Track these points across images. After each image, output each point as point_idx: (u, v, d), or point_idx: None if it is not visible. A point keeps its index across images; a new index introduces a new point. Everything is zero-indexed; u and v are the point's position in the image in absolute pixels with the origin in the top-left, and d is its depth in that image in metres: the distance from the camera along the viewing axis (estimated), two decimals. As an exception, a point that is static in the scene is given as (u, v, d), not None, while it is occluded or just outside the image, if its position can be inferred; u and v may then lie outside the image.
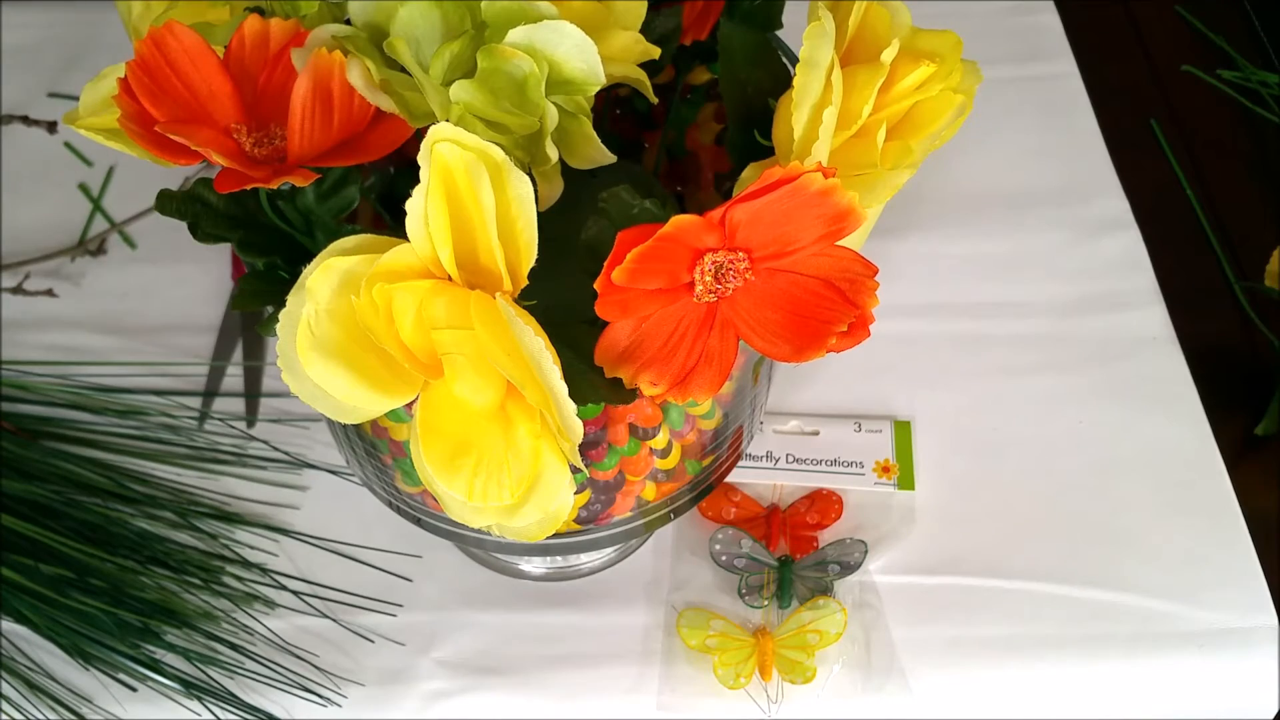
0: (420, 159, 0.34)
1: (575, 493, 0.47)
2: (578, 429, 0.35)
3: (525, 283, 0.36)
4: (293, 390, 0.36)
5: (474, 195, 0.34)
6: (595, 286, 0.35)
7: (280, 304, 0.36)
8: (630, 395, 0.38)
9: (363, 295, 0.34)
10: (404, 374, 0.36)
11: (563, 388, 0.34)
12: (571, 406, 0.34)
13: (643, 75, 0.42)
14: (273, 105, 0.39)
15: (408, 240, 0.35)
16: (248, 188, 0.37)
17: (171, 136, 0.37)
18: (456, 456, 0.36)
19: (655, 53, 0.42)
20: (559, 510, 0.37)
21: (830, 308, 0.37)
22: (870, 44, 0.40)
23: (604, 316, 0.36)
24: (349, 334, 0.35)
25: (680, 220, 0.34)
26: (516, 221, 0.35)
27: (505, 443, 0.36)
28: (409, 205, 0.35)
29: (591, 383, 0.38)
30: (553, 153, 0.39)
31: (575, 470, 0.36)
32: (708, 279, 0.36)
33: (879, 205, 0.41)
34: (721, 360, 0.37)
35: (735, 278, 0.36)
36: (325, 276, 0.35)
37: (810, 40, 0.38)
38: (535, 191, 0.38)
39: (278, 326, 0.36)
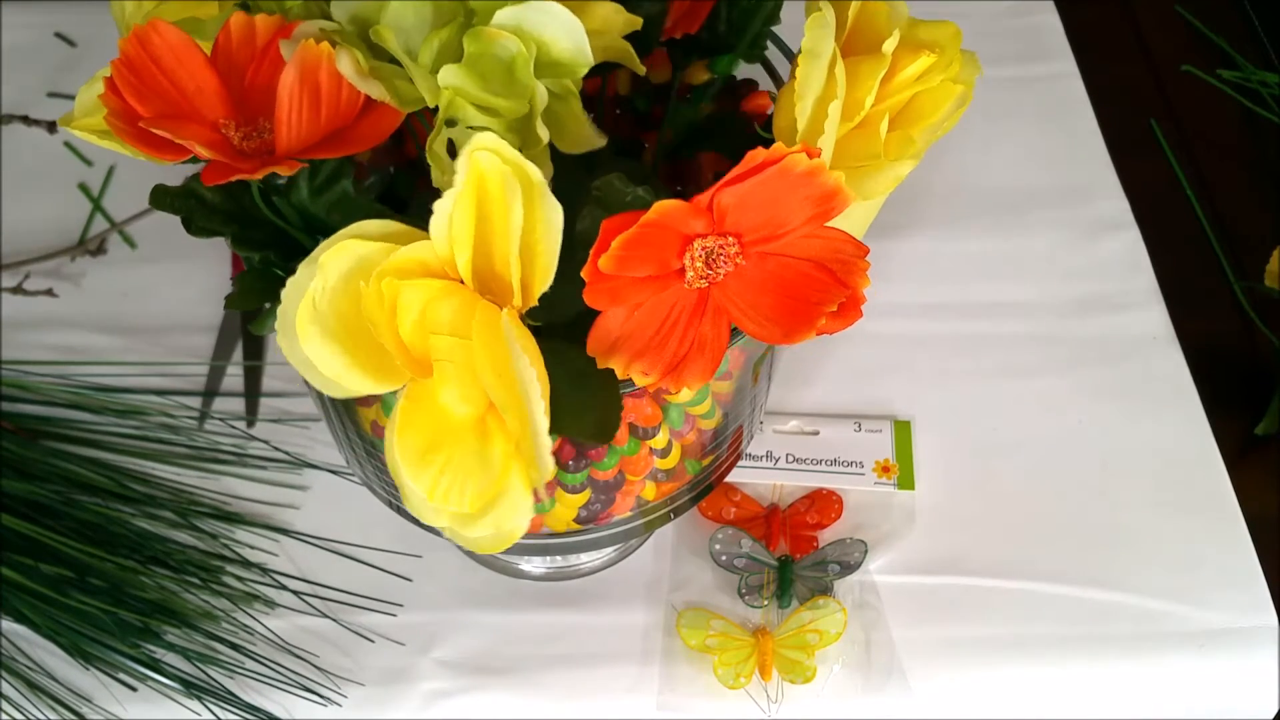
0: (458, 164, 0.34)
1: (576, 492, 0.47)
2: (549, 466, 0.34)
3: (535, 303, 0.36)
4: (284, 354, 0.37)
5: (504, 209, 0.34)
6: (583, 275, 0.35)
7: (276, 303, 0.36)
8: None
9: (371, 284, 0.35)
10: (393, 366, 0.36)
11: (543, 424, 0.34)
12: (548, 444, 0.34)
13: (628, 48, 0.42)
14: (260, 100, 0.39)
15: (428, 236, 0.35)
16: (234, 179, 0.37)
17: (156, 132, 0.37)
18: (427, 453, 0.36)
19: (638, 23, 0.41)
20: (514, 531, 0.36)
21: (821, 289, 0.37)
22: (868, 36, 0.40)
23: (593, 305, 0.36)
24: (349, 317, 0.35)
25: (665, 205, 0.34)
26: (540, 243, 0.35)
27: (478, 453, 0.36)
28: (437, 205, 0.35)
29: (574, 416, 0.38)
30: (544, 133, 0.39)
31: (538, 501, 0.36)
32: (698, 264, 0.36)
33: (881, 197, 0.40)
34: (714, 347, 0.37)
35: (726, 262, 0.36)
36: (339, 256, 0.35)
37: (811, 31, 0.38)
38: None
39: (283, 291, 0.36)
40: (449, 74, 0.37)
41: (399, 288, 0.35)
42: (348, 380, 0.36)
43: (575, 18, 0.37)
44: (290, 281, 0.36)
